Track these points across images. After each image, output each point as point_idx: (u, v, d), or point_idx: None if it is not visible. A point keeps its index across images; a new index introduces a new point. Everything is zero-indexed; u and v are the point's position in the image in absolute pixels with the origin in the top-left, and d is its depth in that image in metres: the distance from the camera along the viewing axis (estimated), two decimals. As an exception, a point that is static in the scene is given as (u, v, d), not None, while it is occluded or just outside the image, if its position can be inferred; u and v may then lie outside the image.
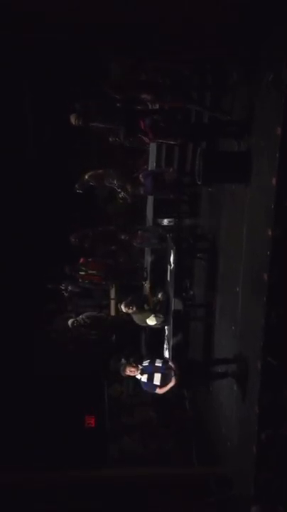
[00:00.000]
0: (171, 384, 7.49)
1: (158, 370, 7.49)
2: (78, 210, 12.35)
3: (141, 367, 7.52)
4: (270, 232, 6.09)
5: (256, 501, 6.36)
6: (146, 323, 9.18)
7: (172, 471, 8.99)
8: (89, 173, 10.69)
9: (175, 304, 8.81)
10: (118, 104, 8.47)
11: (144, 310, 9.23)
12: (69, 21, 6.39)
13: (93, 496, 7.81)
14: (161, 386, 7.48)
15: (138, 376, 7.53)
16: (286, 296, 6.20)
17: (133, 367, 7.49)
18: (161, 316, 8.97)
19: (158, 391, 7.56)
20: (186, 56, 7.72)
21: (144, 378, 7.50)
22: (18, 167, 13.16)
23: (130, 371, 7.52)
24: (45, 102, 12.91)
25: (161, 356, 7.99)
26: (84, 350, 12.11)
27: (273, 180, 5.99)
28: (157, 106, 8.34)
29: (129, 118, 8.15)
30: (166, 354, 9.19)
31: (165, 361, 7.66)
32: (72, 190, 10.91)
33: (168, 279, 9.28)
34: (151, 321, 9.03)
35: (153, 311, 8.95)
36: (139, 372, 7.52)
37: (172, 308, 8.81)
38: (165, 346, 9.31)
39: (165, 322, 9.02)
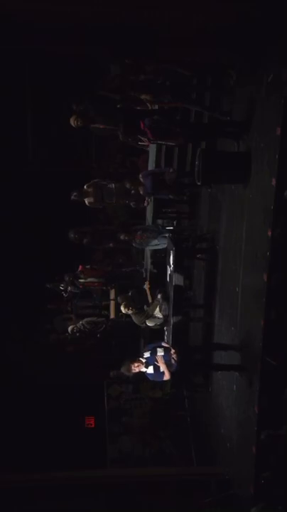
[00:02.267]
0: (174, 369, 7.36)
1: (161, 359, 7.31)
2: (78, 210, 12.37)
3: (143, 360, 7.32)
4: (269, 233, 6.10)
5: (255, 501, 6.36)
6: (146, 324, 9.18)
7: (171, 471, 9.00)
8: (89, 183, 10.59)
9: (176, 279, 8.74)
10: (118, 105, 8.48)
11: (143, 311, 9.23)
12: (69, 21, 6.40)
13: (93, 496, 7.82)
14: (167, 371, 7.32)
15: (143, 370, 7.35)
16: (286, 296, 6.21)
17: (137, 362, 7.30)
18: (160, 316, 8.97)
19: (165, 378, 7.41)
20: (186, 57, 7.72)
21: (150, 370, 7.30)
22: (19, 167, 13.22)
23: (135, 367, 7.30)
24: (45, 102, 12.96)
25: (160, 344, 7.73)
26: (83, 351, 12.13)
27: (273, 181, 6.00)
28: (156, 106, 8.36)
29: (128, 118, 8.14)
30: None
31: (166, 349, 7.46)
32: (71, 190, 10.89)
33: (168, 280, 9.27)
34: (151, 322, 9.03)
35: (153, 312, 8.95)
36: (144, 365, 7.32)
37: (173, 284, 8.71)
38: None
39: (164, 323, 9.02)
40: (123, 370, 7.46)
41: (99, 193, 10.37)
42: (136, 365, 7.27)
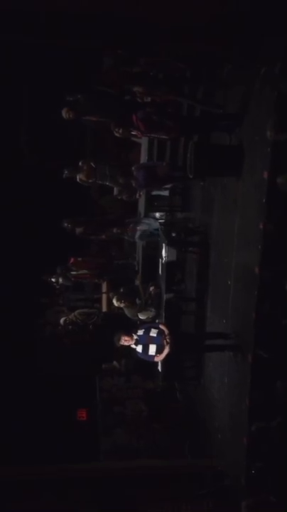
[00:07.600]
0: (166, 351, 7.34)
1: (152, 341, 7.31)
2: (72, 203, 12.37)
3: (135, 337, 7.33)
4: (261, 226, 6.12)
5: (247, 494, 6.39)
6: (138, 316, 9.20)
7: (165, 463, 9.02)
8: (84, 160, 10.56)
9: (169, 255, 8.79)
10: (110, 97, 8.45)
11: (136, 304, 9.24)
12: (62, 15, 6.38)
13: (86, 489, 7.83)
14: (157, 355, 7.37)
15: (133, 346, 7.37)
16: (277, 289, 6.23)
17: (128, 336, 7.32)
18: (153, 309, 8.99)
19: (156, 359, 7.48)
20: (179, 50, 7.70)
21: (139, 349, 7.34)
22: (15, 162, 13.21)
23: (124, 340, 7.33)
24: (39, 96, 12.93)
25: (156, 325, 7.74)
26: (78, 344, 12.13)
27: (265, 174, 6.02)
28: (149, 99, 8.34)
29: (121, 110, 8.12)
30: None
31: (160, 331, 7.42)
32: (65, 182, 10.87)
33: (160, 272, 9.28)
34: (143, 315, 9.05)
35: (145, 305, 8.96)
36: (134, 342, 7.35)
37: (165, 260, 8.75)
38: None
39: (156, 316, 9.04)
40: (115, 339, 7.51)
41: (92, 170, 10.38)
42: (126, 338, 7.31)
